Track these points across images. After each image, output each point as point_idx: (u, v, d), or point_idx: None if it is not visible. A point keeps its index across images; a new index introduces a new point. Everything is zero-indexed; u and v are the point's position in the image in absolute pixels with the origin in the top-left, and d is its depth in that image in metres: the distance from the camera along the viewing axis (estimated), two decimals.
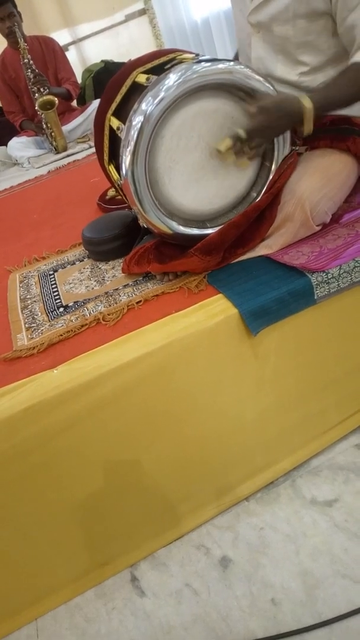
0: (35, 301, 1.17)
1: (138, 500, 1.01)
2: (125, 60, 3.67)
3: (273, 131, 0.96)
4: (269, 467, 1.10)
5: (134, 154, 0.88)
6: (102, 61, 3.71)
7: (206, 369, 0.95)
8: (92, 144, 2.77)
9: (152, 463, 0.98)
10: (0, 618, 1.00)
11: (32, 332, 1.04)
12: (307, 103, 0.92)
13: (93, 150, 2.69)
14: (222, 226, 1.00)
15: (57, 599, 1.01)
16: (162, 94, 0.87)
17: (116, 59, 3.75)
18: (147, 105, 0.87)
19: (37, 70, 2.74)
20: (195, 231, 1.02)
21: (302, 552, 0.96)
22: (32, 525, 0.95)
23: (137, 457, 0.97)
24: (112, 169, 1.05)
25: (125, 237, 1.21)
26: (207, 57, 0.95)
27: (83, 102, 3.41)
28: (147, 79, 0.92)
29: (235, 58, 1.34)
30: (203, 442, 1.02)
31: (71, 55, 3.73)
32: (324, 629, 0.84)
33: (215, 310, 0.94)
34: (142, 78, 0.94)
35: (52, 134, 2.79)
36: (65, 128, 2.89)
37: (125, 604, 0.96)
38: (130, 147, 0.88)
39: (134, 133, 0.87)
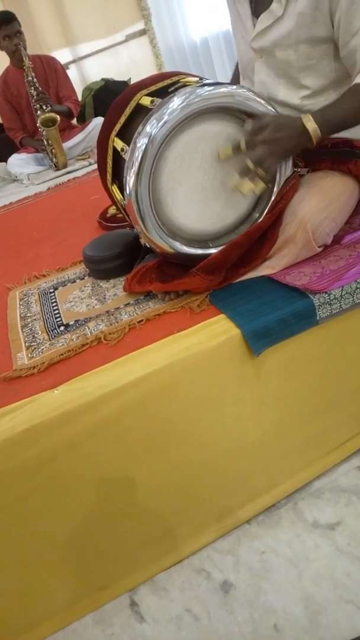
0: (35, 319, 1.17)
1: (138, 522, 0.99)
2: (126, 78, 3.74)
3: (277, 145, 0.93)
4: (270, 490, 1.09)
5: (138, 174, 0.89)
6: (102, 79, 3.76)
7: (208, 389, 0.95)
8: (92, 161, 2.81)
9: (152, 485, 0.97)
10: None
11: (33, 351, 1.03)
12: (306, 117, 0.92)
13: (93, 167, 2.72)
14: (224, 246, 1.00)
15: (54, 625, 0.99)
16: (166, 117, 0.88)
17: (116, 78, 3.80)
18: (152, 127, 0.88)
19: (40, 88, 2.77)
20: (197, 251, 1.02)
21: (304, 577, 0.94)
22: (29, 548, 0.93)
23: (138, 478, 0.96)
24: (115, 189, 1.06)
25: (127, 256, 1.21)
26: (210, 81, 0.96)
27: (83, 120, 3.45)
28: (152, 101, 0.93)
29: (233, 78, 1.36)
30: (204, 464, 1.01)
31: (72, 73, 3.78)
32: None
33: (218, 331, 0.93)
34: (146, 100, 0.95)
35: (53, 150, 2.81)
36: (66, 145, 2.92)
37: (124, 629, 0.94)
38: (135, 168, 0.89)
39: (138, 154, 0.88)
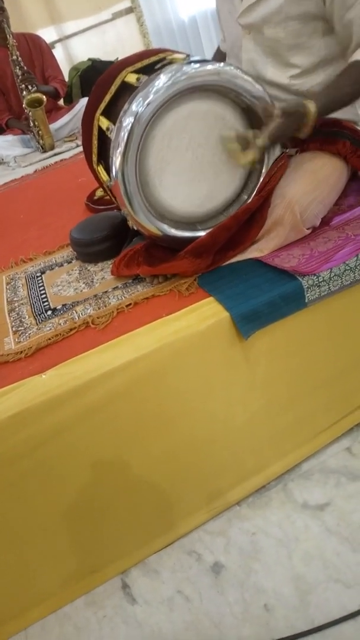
0: (22, 304, 1.15)
1: (128, 506, 0.99)
2: (113, 58, 3.66)
3: (282, 136, 0.94)
4: (260, 471, 1.09)
5: (125, 155, 0.87)
6: (89, 59, 3.68)
7: (197, 372, 0.94)
8: (80, 142, 2.75)
9: (143, 468, 0.97)
10: None
11: (20, 335, 1.02)
12: (312, 107, 0.91)
13: (80, 149, 2.66)
14: (212, 229, 0.99)
15: (46, 608, 0.99)
16: (152, 95, 0.86)
17: (103, 57, 3.72)
18: (138, 106, 0.86)
19: (25, 68, 2.70)
20: (185, 233, 1.00)
21: (294, 557, 0.95)
22: (20, 533, 0.93)
23: (128, 462, 0.95)
24: (101, 169, 1.04)
25: (114, 239, 1.19)
26: (197, 58, 0.94)
27: (70, 101, 3.38)
28: (137, 79, 0.91)
29: (215, 57, 1.33)
30: (194, 447, 1.00)
31: (58, 53, 3.69)
32: (317, 634, 0.84)
33: (206, 314, 0.92)
34: (132, 78, 0.93)
35: (39, 132, 2.75)
36: (53, 126, 2.86)
37: (116, 611, 0.95)
38: (121, 148, 0.86)
39: (124, 134, 0.86)
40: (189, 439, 0.99)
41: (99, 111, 0.98)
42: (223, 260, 1.03)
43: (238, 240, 1.02)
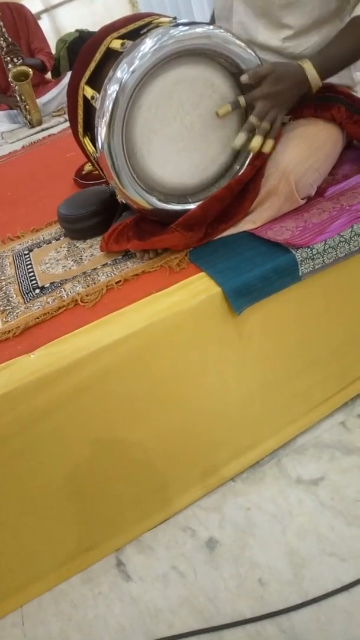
0: (9, 283, 1.13)
1: (122, 484, 0.99)
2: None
3: (280, 98, 0.90)
4: (254, 447, 1.09)
5: (110, 125, 0.83)
6: (76, 30, 3.57)
7: (189, 349, 0.93)
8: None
9: (136, 446, 0.96)
10: None
11: (7, 315, 1.00)
12: (307, 64, 0.88)
13: (68, 123, 2.60)
14: (204, 200, 0.96)
15: (42, 586, 0.99)
16: (138, 61, 0.82)
17: (91, 28, 3.60)
18: (123, 73, 0.82)
19: (10, 40, 2.61)
20: (176, 206, 0.97)
21: (288, 532, 0.95)
22: (14, 512, 0.92)
23: (121, 440, 0.95)
24: (87, 141, 1.00)
25: (103, 214, 1.16)
26: (185, 20, 0.89)
27: (58, 74, 3.28)
28: (122, 44, 0.87)
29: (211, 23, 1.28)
30: (187, 424, 1.00)
31: (44, 24, 3.58)
32: (311, 607, 0.84)
33: (198, 289, 0.90)
34: (116, 44, 0.89)
35: (27, 107, 2.68)
36: (40, 101, 2.78)
37: (111, 588, 0.95)
38: (106, 118, 0.83)
39: (109, 103, 0.82)
40: (183, 415, 0.98)
41: (84, 79, 0.93)
42: (215, 233, 1.00)
43: (231, 213, 0.99)
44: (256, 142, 0.91)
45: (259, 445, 1.09)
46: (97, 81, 0.91)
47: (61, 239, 1.25)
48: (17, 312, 0.99)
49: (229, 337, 0.95)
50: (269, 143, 0.92)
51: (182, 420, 0.99)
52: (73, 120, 1.02)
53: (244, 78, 0.89)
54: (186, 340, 0.91)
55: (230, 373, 0.99)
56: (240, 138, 0.92)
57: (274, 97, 0.89)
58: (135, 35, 0.89)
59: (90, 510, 0.99)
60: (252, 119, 0.90)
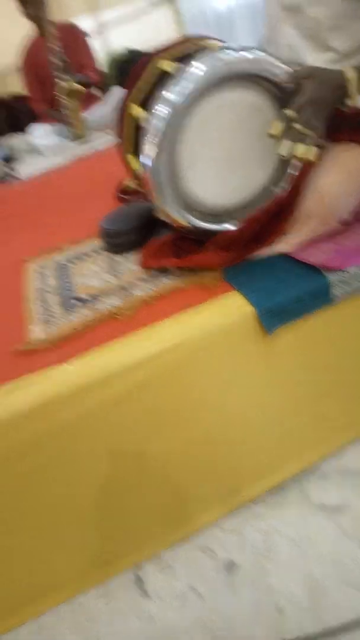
0: (50, 292, 1.16)
1: (144, 499, 0.99)
2: (148, 48, 3.64)
3: (322, 103, 0.88)
4: (277, 470, 1.08)
5: (157, 144, 0.86)
6: (125, 49, 3.67)
7: (219, 367, 0.93)
8: (112, 133, 2.75)
9: (160, 462, 0.97)
10: (2, 614, 0.99)
11: (46, 324, 1.02)
12: (352, 72, 0.87)
13: (113, 139, 2.66)
14: (241, 221, 0.97)
15: (59, 597, 1.00)
16: (187, 83, 0.85)
17: (139, 47, 3.70)
18: (172, 94, 0.84)
19: (62, 57, 2.71)
20: (213, 226, 0.99)
21: (308, 559, 0.94)
22: (37, 521, 0.93)
23: (145, 455, 0.95)
24: (132, 158, 1.03)
25: (143, 230, 1.19)
26: (234, 45, 0.92)
27: (104, 91, 3.38)
28: (173, 66, 0.89)
29: (259, 47, 1.30)
30: (211, 442, 1.00)
31: (95, 41, 3.69)
32: (329, 638, 0.82)
33: (231, 308, 0.91)
34: (167, 65, 0.92)
35: (73, 122, 2.77)
36: (86, 116, 2.86)
37: (128, 605, 0.95)
38: (153, 138, 0.86)
39: (157, 123, 0.85)
40: (207, 434, 0.98)
41: (133, 99, 0.96)
42: (250, 253, 1.01)
43: (266, 233, 1.00)
44: (303, 149, 0.88)
45: (282, 468, 1.08)
46: (146, 101, 0.94)
47: (101, 252, 1.28)
48: (56, 322, 1.02)
49: (259, 356, 0.95)
50: (314, 151, 0.89)
51: (206, 437, 0.99)
52: (120, 137, 1.05)
53: (284, 78, 0.89)
54: (216, 358, 0.92)
55: (257, 392, 0.99)
56: (286, 146, 0.89)
57: (316, 101, 0.87)
58: (186, 57, 0.92)
59: (111, 524, 1.00)
60: (297, 126, 0.87)
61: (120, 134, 1.04)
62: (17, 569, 0.96)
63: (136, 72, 0.99)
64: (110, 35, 4.08)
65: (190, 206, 0.96)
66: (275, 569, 0.93)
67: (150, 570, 0.99)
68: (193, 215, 0.96)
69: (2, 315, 1.14)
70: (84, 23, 3.66)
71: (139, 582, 0.98)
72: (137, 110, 0.96)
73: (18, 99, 3.72)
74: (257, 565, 0.95)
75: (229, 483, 1.04)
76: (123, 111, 1.01)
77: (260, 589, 0.91)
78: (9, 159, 2.84)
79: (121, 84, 3.17)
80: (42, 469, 0.88)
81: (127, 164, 1.07)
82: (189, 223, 0.96)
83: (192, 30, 4.12)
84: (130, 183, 1.50)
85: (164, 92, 0.87)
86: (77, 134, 2.78)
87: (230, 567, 0.96)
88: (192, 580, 0.96)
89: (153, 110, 0.87)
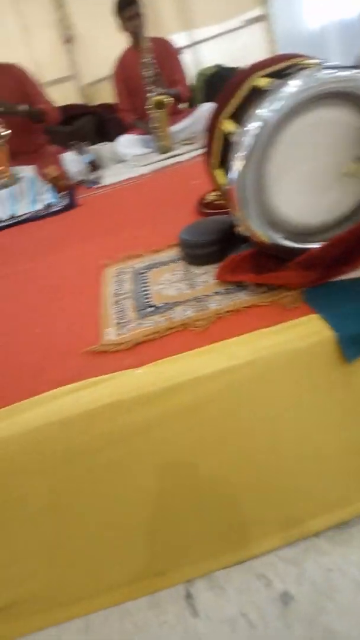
0: (126, 298, 1.18)
1: (201, 515, 0.97)
2: (239, 65, 3.66)
3: None
4: (344, 505, 1.02)
5: (246, 159, 0.85)
6: (215, 65, 3.73)
7: (291, 391, 0.90)
8: (197, 146, 2.79)
9: (221, 480, 0.95)
10: (54, 605, 1.01)
11: (120, 328, 1.04)
12: None
13: (196, 152, 2.70)
14: (326, 241, 0.94)
15: (109, 600, 1.00)
16: (281, 101, 0.83)
17: (229, 64, 3.74)
18: (265, 111, 0.84)
19: (154, 71, 2.79)
20: (297, 244, 0.97)
21: None
22: (94, 521, 0.94)
23: (207, 471, 0.94)
24: (218, 172, 1.03)
25: (222, 243, 1.18)
26: (331, 63, 0.90)
27: (192, 105, 3.44)
28: (268, 83, 0.89)
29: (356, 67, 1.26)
30: (276, 467, 0.96)
31: (187, 57, 3.78)
32: None
33: (309, 331, 0.88)
34: (262, 82, 0.91)
35: (160, 134, 2.84)
36: (172, 129, 2.93)
37: (177, 620, 0.93)
38: (243, 153, 0.85)
39: (248, 138, 0.84)
40: (272, 458, 0.95)
41: (225, 114, 0.97)
42: (333, 275, 0.97)
43: (352, 255, 0.96)
44: None
45: (350, 504, 1.02)
46: (238, 116, 0.94)
47: (178, 262, 1.29)
48: (130, 327, 1.03)
49: (335, 384, 0.91)
50: None
51: (270, 461, 0.96)
52: (208, 151, 1.05)
53: None
54: (289, 381, 0.89)
55: (330, 421, 0.95)
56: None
57: None
58: (282, 74, 0.91)
59: (165, 535, 0.99)
60: None
61: (208, 147, 1.05)
62: (70, 563, 0.97)
63: (230, 87, 1.00)
64: (201, 51, 4.15)
65: (274, 223, 0.94)
66: (335, 609, 0.88)
67: (202, 588, 0.97)
68: (276, 232, 0.94)
69: (80, 316, 1.17)
70: (179, 39, 3.77)
71: (190, 598, 0.96)
72: (228, 125, 0.96)
73: (108, 109, 3.87)
74: (315, 603, 0.90)
75: (292, 512, 1.00)
76: (213, 125, 1.02)
77: (316, 628, 0.86)
78: (95, 166, 2.95)
79: (209, 99, 3.23)
80: (102, 471, 0.89)
81: (213, 178, 1.08)
82: (271, 240, 0.94)
83: (284, 49, 4.11)
84: (214, 197, 1.51)
85: (255, 108, 0.86)
86: (163, 146, 2.85)
87: (286, 599, 0.91)
88: (244, 605, 0.92)
89: (245, 126, 0.87)
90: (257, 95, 0.90)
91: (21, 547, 0.95)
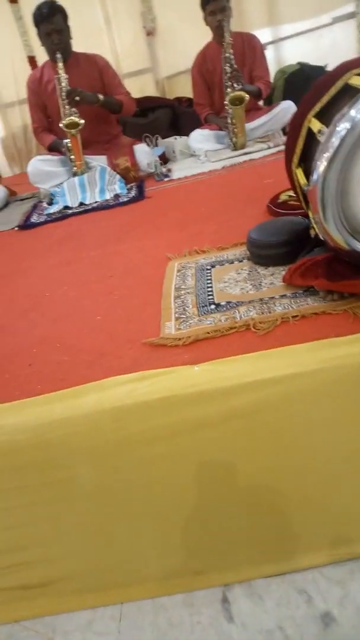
0: (188, 293, 1.17)
1: (246, 520, 0.95)
2: (323, 64, 3.56)
3: None
4: None
5: (331, 160, 0.82)
6: (298, 63, 3.63)
7: (355, 406, 0.86)
8: (272, 144, 2.74)
9: (270, 488, 0.92)
10: (89, 588, 1.02)
11: (181, 323, 1.04)
12: None
13: (271, 151, 2.65)
14: None
15: (145, 591, 1.00)
16: None
17: (313, 62, 3.64)
18: (357, 111, 0.79)
19: (235, 66, 2.76)
20: None
21: None
22: (136, 511, 0.94)
23: (256, 477, 0.91)
24: (299, 172, 1.00)
25: (293, 245, 1.15)
26: None
27: (270, 102, 3.37)
28: None
29: None
30: (331, 483, 0.92)
31: (268, 54, 3.70)
32: None
33: None
34: (356, 80, 0.87)
35: (235, 130, 2.80)
36: (248, 126, 2.88)
37: (211, 622, 0.92)
38: (329, 153, 0.81)
39: (336, 139, 0.80)
40: (327, 473, 0.91)
41: (313, 112, 0.93)
42: None
43: None
44: None
45: None
46: (326, 115, 0.90)
47: (244, 261, 1.27)
48: (190, 323, 1.02)
49: None
50: None
51: (325, 476, 0.92)
52: (290, 149, 1.02)
53: None
54: (354, 396, 0.85)
55: None
56: None
57: None
58: None
59: (207, 535, 0.97)
60: None
61: (291, 146, 1.01)
62: (110, 549, 0.98)
63: (320, 85, 0.96)
64: (285, 47, 4.05)
65: (353, 228, 0.90)
66: None
67: (240, 594, 0.95)
68: (355, 238, 0.90)
69: (141, 307, 1.18)
70: (262, 35, 3.70)
71: (226, 602, 0.95)
72: (315, 124, 0.92)
73: (183, 103, 3.87)
74: (358, 628, 0.86)
75: (342, 531, 0.96)
76: (299, 123, 0.98)
77: None
78: (165, 160, 2.95)
79: (288, 97, 3.15)
80: (152, 462, 0.88)
81: (292, 177, 1.04)
82: (349, 245, 0.90)
83: None
84: (287, 197, 1.47)
85: (347, 108, 0.82)
86: (238, 143, 2.81)
87: (328, 620, 0.88)
88: (281, 619, 0.89)
89: (332, 125, 0.83)
90: (349, 93, 0.86)
91: (65, 527, 0.96)
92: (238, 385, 0.83)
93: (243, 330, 0.96)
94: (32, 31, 2.88)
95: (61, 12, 2.60)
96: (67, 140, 2.64)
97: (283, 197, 1.58)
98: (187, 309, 1.09)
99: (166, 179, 2.62)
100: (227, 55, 2.75)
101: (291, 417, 0.85)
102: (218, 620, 0.92)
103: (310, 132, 0.94)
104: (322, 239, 0.93)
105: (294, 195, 1.42)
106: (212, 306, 1.08)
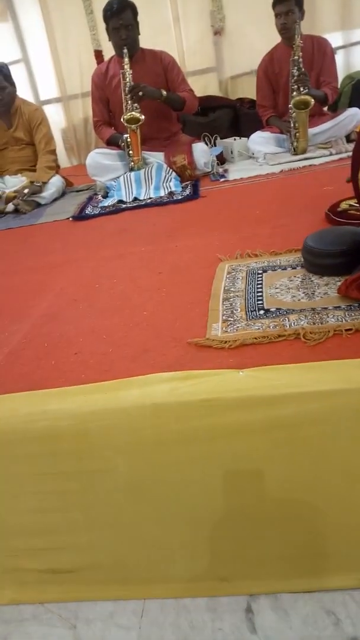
0: (237, 296, 1.16)
1: (279, 533, 0.93)
2: None
3: None
4: None
5: None
6: None
7: None
8: (334, 151, 2.67)
9: (306, 504, 0.90)
10: (113, 580, 1.03)
11: (228, 325, 1.02)
12: None
13: (332, 158, 2.58)
14: None
15: (169, 590, 1.00)
16: None
17: None
18: None
19: (302, 69, 2.71)
20: None
21: None
22: (167, 510, 0.94)
23: (293, 491, 0.89)
24: None
25: (351, 256, 1.12)
26: None
27: (335, 109, 3.29)
28: None
29: None
30: None
31: (338, 58, 3.61)
32: None
33: None
34: None
35: (297, 134, 2.75)
36: (311, 131, 2.82)
37: (233, 631, 0.90)
38: None
39: None
40: None
41: None
42: None
43: None
44: None
45: None
46: None
47: (297, 268, 1.24)
48: (238, 326, 1.01)
49: None
50: None
51: None
52: (358, 159, 0.99)
53: None
54: None
55: None
56: None
57: None
58: None
59: (236, 542, 0.96)
60: None
61: (359, 157, 0.98)
62: (138, 544, 0.98)
63: None
64: (356, 53, 3.93)
65: None
66: None
67: (265, 606, 0.93)
68: None
69: (188, 306, 1.17)
70: (333, 39, 3.61)
71: (250, 612, 0.93)
72: None
73: (245, 104, 3.83)
74: None
75: None
76: None
77: None
78: (222, 160, 2.94)
79: (355, 104, 3.07)
80: (188, 463, 0.88)
81: (357, 186, 1.01)
82: None
83: None
84: (348, 206, 1.43)
85: None
86: (299, 147, 2.76)
87: None
88: (307, 637, 0.87)
89: None
90: None
91: (96, 517, 0.97)
92: (284, 395, 0.81)
93: (292, 339, 0.94)
94: (101, 26, 2.92)
95: (131, 8, 2.62)
96: (127, 135, 2.66)
97: (343, 205, 1.54)
98: (235, 312, 1.08)
99: (222, 180, 2.60)
100: (296, 58, 2.71)
101: (335, 434, 0.82)
102: (240, 630, 0.91)
103: None
104: None
105: (356, 204, 1.38)
106: (261, 311, 1.06)
